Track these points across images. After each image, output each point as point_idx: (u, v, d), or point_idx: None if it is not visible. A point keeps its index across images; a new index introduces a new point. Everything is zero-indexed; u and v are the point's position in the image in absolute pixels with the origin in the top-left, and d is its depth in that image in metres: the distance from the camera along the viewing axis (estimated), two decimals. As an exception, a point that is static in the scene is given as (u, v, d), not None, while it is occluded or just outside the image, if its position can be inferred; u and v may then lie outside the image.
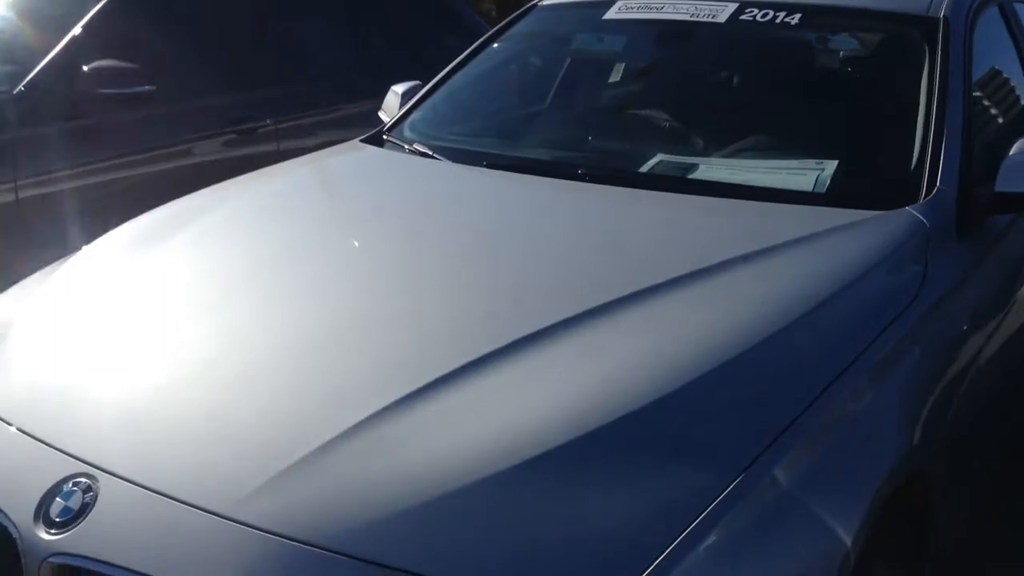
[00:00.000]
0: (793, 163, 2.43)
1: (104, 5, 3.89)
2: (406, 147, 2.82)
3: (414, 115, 3.07)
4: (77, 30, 3.80)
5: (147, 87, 3.81)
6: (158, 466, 1.49)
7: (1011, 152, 2.26)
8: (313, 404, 1.58)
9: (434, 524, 1.34)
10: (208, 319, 1.88)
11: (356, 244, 2.18)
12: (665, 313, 1.71)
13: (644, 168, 2.49)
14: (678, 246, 2.06)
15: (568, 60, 3.18)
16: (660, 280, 1.80)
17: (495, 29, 3.29)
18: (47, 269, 2.35)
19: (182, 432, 1.56)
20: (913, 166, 2.28)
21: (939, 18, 2.59)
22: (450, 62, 3.27)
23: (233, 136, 4.27)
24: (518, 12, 3.31)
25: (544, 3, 3.30)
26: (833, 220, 2.09)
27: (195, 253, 2.22)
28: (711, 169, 2.47)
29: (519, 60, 3.29)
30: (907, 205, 2.16)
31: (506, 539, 1.32)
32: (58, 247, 3.61)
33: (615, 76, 3.09)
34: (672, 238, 2.14)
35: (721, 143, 2.60)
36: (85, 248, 2.39)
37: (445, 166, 2.66)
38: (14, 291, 2.28)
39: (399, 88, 3.34)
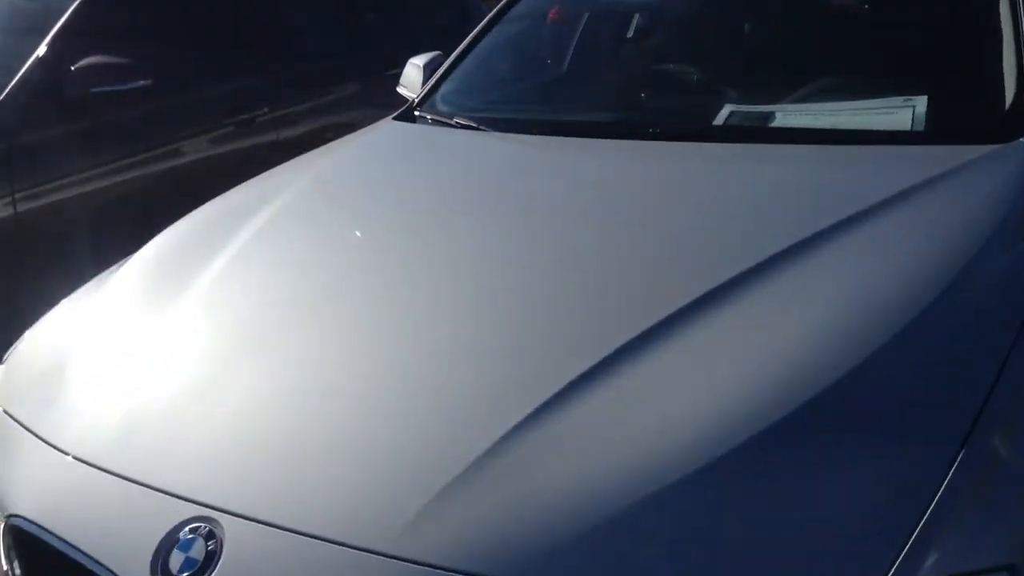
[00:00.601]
0: (878, 102, 2.27)
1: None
2: (450, 121, 2.61)
3: (444, 87, 2.87)
4: (57, 28, 3.54)
5: (143, 82, 3.57)
6: (290, 503, 1.30)
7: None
8: (457, 416, 1.39)
9: (635, 538, 1.17)
10: (310, 331, 1.67)
11: (459, 231, 1.96)
12: (820, 275, 1.54)
13: (718, 120, 2.32)
14: (802, 201, 1.88)
15: (597, 15, 2.98)
16: (799, 238, 1.62)
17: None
18: (91, 284, 2.13)
19: (313, 462, 1.36)
20: (1014, 94, 2.12)
21: None
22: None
23: (232, 128, 4.04)
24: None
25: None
26: (949, 158, 1.93)
27: (270, 256, 2.00)
28: (790, 116, 2.29)
29: (545, 21, 3.09)
30: (1020, 136, 2.01)
31: (734, 550, 1.15)
32: (65, 264, 3.41)
33: (653, 26, 2.89)
34: (790, 192, 1.95)
35: (789, 88, 2.42)
36: (134, 257, 2.16)
37: (501, 138, 2.47)
38: (62, 312, 2.06)
39: (419, 60, 3.13)
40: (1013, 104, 2.11)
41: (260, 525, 1.29)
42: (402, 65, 4.83)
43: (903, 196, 1.75)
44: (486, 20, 3.03)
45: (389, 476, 1.31)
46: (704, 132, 2.28)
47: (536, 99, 2.74)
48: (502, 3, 3.08)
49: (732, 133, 2.27)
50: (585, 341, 1.45)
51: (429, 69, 3.07)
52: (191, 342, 1.75)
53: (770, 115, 2.32)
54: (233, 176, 3.97)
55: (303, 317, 1.71)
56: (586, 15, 3.00)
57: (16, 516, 1.48)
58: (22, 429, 1.65)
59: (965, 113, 2.18)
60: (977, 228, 1.62)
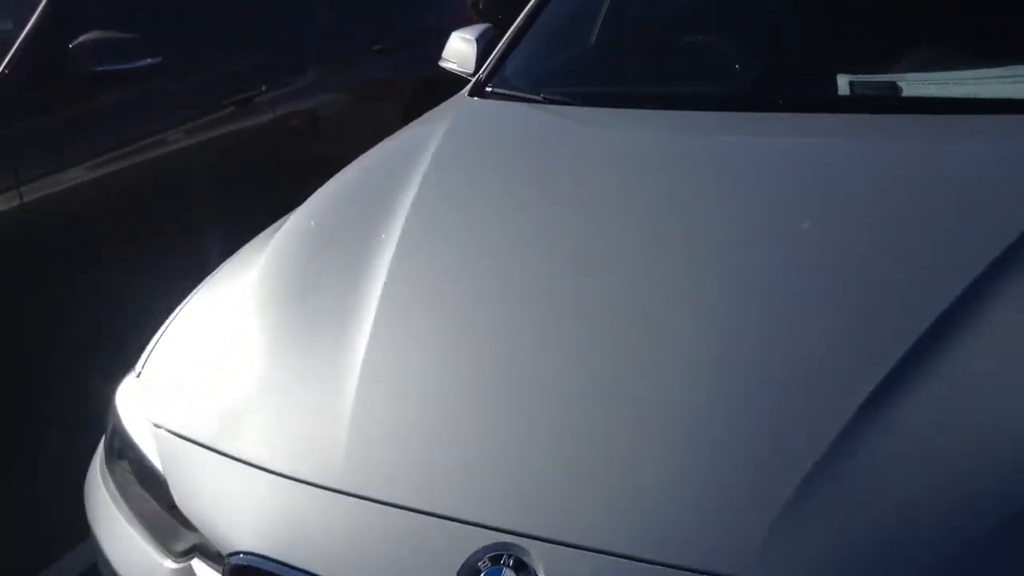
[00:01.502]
0: (1003, 70, 2.22)
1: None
2: (538, 98, 2.46)
3: (514, 61, 2.71)
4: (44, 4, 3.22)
5: (151, 60, 3.27)
6: (615, 526, 1.16)
7: None
8: (778, 425, 1.26)
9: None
10: (561, 334, 1.49)
11: (657, 218, 1.78)
12: None
13: (843, 90, 2.23)
14: (1006, 172, 1.80)
15: None
16: None
17: None
18: (224, 270, 1.92)
19: (628, 480, 1.21)
20: None
21: None
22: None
23: (233, 108, 3.77)
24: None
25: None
26: None
27: (446, 250, 1.81)
28: (918, 86, 2.22)
29: None
30: None
31: None
32: (78, 258, 3.13)
33: None
34: (989, 164, 1.86)
35: (894, 57, 2.35)
36: (276, 236, 1.95)
37: (612, 114, 2.34)
38: (202, 306, 1.84)
39: (468, 34, 2.96)
40: None
41: (579, 551, 1.15)
42: (386, 40, 4.66)
43: None
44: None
45: (723, 491, 1.18)
46: (831, 102, 2.20)
47: (627, 71, 2.59)
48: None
49: (864, 103, 2.20)
50: (877, 342, 1.34)
51: (482, 43, 2.91)
52: (399, 341, 1.56)
53: (892, 84, 2.25)
54: (243, 158, 3.77)
55: (533, 317, 1.54)
56: None
57: (244, 554, 1.30)
58: (209, 452, 1.46)
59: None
60: None
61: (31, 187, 3.01)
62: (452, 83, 5.11)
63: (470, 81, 2.83)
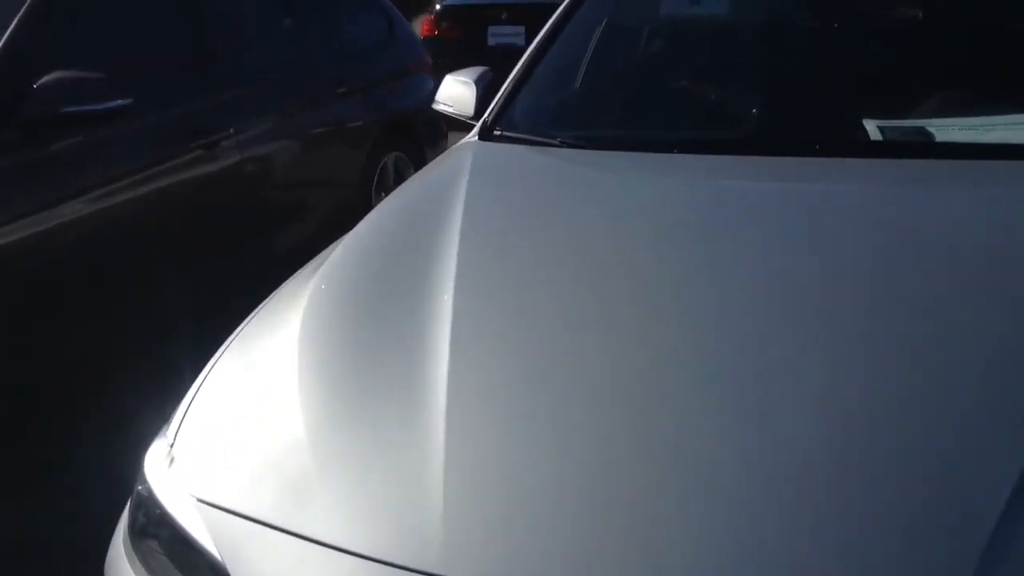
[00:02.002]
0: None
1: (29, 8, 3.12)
2: (556, 142, 2.37)
3: (520, 104, 2.62)
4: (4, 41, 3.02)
5: (121, 101, 3.09)
6: None
7: None
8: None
9: None
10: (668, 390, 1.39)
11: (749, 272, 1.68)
12: None
13: (873, 135, 2.20)
14: None
15: (687, 20, 2.81)
16: None
17: (568, 3, 2.87)
18: (257, 319, 1.77)
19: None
20: None
21: None
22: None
23: (200, 152, 3.59)
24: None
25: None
26: None
27: (503, 307, 1.69)
28: (947, 131, 2.20)
29: (620, 29, 2.89)
30: None
31: None
32: (32, 311, 2.90)
33: (744, 35, 2.72)
34: None
35: (918, 101, 2.34)
36: (313, 291, 1.79)
37: (631, 158, 2.26)
38: (237, 362, 1.68)
39: (466, 77, 2.87)
40: None
41: None
42: (350, 83, 4.54)
43: None
44: (549, 27, 2.80)
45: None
46: (861, 147, 2.17)
47: (644, 114, 2.52)
48: (562, 8, 2.86)
49: (895, 148, 2.17)
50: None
51: (481, 85, 2.82)
52: (480, 411, 1.43)
53: (921, 129, 2.23)
54: (210, 202, 3.59)
55: (614, 385, 1.42)
56: (671, 18, 2.82)
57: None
58: (280, 533, 1.30)
59: None
60: None
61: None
62: (427, 124, 5.03)
63: (469, 124, 2.75)
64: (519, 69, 2.72)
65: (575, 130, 2.44)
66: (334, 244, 2.10)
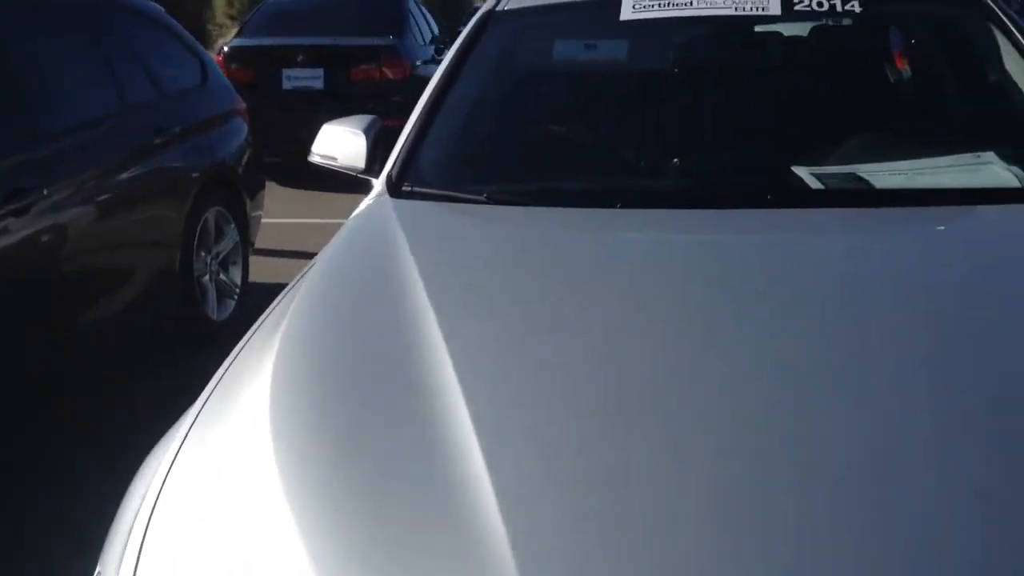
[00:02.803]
0: (953, 159, 2.26)
1: None
2: (480, 198, 2.17)
3: (426, 157, 2.40)
4: None
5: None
6: None
7: None
8: None
9: None
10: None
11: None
12: None
13: (811, 183, 2.16)
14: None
15: (586, 69, 2.69)
16: None
17: (460, 47, 2.68)
18: (208, 415, 1.48)
19: None
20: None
21: None
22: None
23: (11, 218, 3.09)
24: (474, 24, 2.74)
25: (501, 8, 2.76)
26: None
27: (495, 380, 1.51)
28: (881, 177, 2.20)
29: (518, 78, 2.73)
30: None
31: None
32: None
33: (657, 83, 2.62)
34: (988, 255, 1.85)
35: (838, 147, 2.34)
36: (273, 381, 1.50)
37: (575, 214, 2.11)
38: (201, 461, 1.41)
39: (352, 126, 2.61)
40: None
41: None
42: (166, 132, 4.11)
43: None
44: (443, 73, 2.59)
45: None
46: (800, 197, 2.13)
47: (566, 166, 2.36)
48: (454, 53, 2.66)
49: (832, 197, 2.15)
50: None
51: (371, 136, 2.57)
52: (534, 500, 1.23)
53: (852, 175, 2.22)
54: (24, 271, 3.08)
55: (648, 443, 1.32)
56: (577, 64, 2.70)
57: None
58: None
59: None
60: None
61: None
62: (247, 174, 4.64)
63: (355, 176, 2.51)
64: (417, 118, 2.50)
65: (498, 184, 2.26)
66: (258, 331, 1.79)
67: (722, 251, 1.94)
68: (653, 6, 2.55)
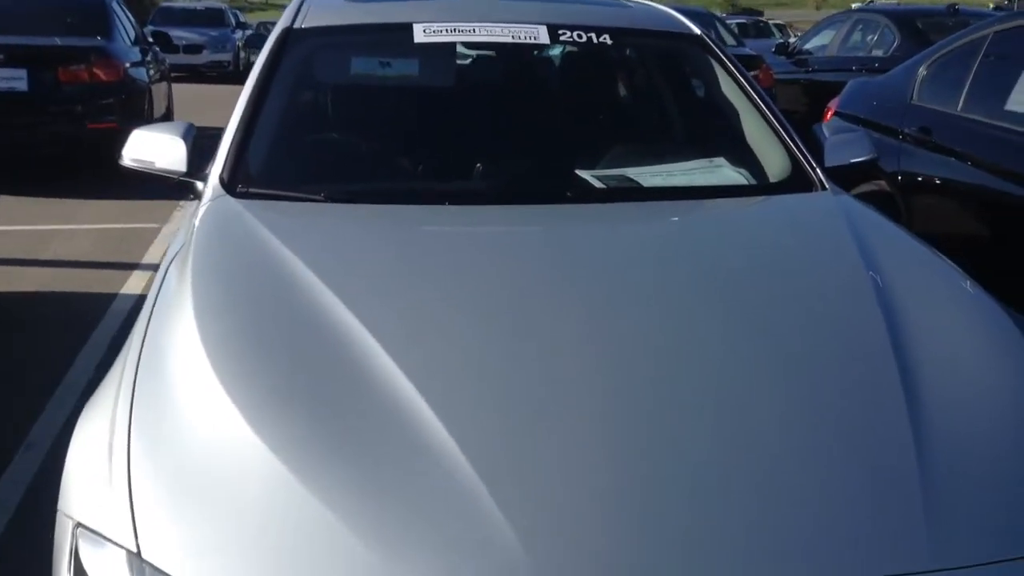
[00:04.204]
0: (691, 164, 2.84)
1: None
2: (318, 197, 2.44)
3: (252, 160, 2.61)
4: None
5: None
6: None
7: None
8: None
9: None
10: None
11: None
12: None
13: (596, 183, 2.65)
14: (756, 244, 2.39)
15: (383, 85, 3.00)
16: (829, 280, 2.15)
17: (267, 59, 2.87)
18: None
19: None
20: (792, 156, 2.82)
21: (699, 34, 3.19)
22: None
23: None
24: (275, 39, 2.95)
25: (299, 27, 3.00)
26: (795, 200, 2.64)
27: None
28: (650, 177, 2.73)
29: (327, 88, 2.98)
30: (814, 189, 2.73)
31: None
32: None
33: (435, 100, 2.98)
34: (732, 240, 2.44)
35: (598, 155, 2.84)
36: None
37: (410, 210, 2.44)
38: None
39: (168, 132, 2.76)
40: (795, 162, 2.82)
41: None
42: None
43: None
44: (255, 81, 2.77)
45: None
46: (585, 194, 2.62)
47: (392, 167, 2.69)
48: (261, 65, 2.85)
49: (610, 194, 2.64)
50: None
51: (189, 140, 2.74)
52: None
53: (624, 177, 2.73)
54: None
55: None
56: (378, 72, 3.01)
57: None
58: None
59: (763, 172, 2.83)
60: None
61: None
62: None
63: (172, 179, 2.67)
64: (237, 122, 2.68)
65: (330, 185, 2.52)
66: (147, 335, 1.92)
67: (544, 233, 2.40)
68: (442, 31, 2.92)
